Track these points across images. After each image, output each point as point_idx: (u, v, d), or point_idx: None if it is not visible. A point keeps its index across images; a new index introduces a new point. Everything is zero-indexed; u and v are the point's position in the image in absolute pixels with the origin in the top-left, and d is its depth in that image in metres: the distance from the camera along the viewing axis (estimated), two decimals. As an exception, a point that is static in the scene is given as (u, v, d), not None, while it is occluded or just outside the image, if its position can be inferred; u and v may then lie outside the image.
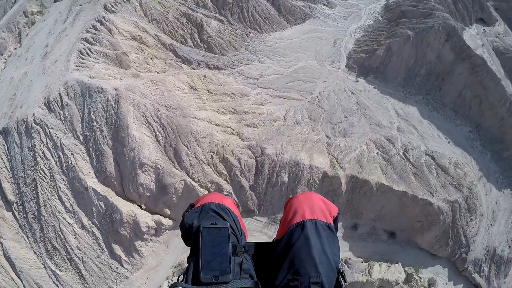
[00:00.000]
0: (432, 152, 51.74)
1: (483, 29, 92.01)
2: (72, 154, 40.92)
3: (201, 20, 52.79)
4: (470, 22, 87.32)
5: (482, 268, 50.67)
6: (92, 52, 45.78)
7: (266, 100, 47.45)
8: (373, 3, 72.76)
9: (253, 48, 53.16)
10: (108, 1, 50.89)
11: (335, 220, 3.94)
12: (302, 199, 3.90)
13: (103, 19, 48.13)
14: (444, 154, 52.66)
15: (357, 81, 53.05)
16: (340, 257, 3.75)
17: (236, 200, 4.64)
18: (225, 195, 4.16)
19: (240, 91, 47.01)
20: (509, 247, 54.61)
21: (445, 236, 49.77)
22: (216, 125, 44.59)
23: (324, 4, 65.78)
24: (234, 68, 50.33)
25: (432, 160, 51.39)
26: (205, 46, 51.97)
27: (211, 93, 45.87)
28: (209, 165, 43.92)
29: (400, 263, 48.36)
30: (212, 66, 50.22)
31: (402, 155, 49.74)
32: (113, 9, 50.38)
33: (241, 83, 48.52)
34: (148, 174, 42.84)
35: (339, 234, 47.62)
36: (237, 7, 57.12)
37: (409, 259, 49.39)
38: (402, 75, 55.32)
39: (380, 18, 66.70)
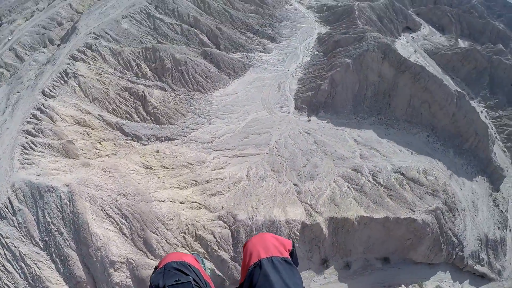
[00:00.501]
0: (400, 168, 51.71)
1: (411, 36, 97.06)
2: (35, 263, 36.69)
3: (143, 92, 51.43)
4: (398, 33, 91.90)
5: (481, 257, 50.65)
6: (36, 145, 42.72)
7: (225, 162, 45.82)
8: (306, 39, 74.93)
9: (201, 111, 52.06)
10: (46, 86, 48.68)
11: (292, 253, 4.23)
12: (255, 241, 4.20)
13: (42, 107, 45.58)
14: (410, 166, 52.75)
15: (309, 120, 52.81)
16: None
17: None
18: (191, 253, 4.59)
19: (196, 159, 45.21)
20: (498, 228, 55.44)
21: (437, 244, 49.13)
22: (181, 202, 42.10)
23: (260, 52, 66.63)
24: (185, 136, 48.72)
25: (401, 176, 51.21)
26: (152, 118, 50.34)
27: (168, 168, 43.72)
28: (183, 246, 41.02)
29: (402, 285, 46.82)
30: (163, 138, 48.41)
31: (372, 181, 49.18)
32: (51, 93, 48.04)
33: (196, 150, 46.82)
34: (122, 271, 39.18)
35: (334, 277, 45.89)
36: (176, 71, 56.44)
37: (410, 277, 48.18)
38: (350, 103, 55.86)
39: (316, 52, 68.36)
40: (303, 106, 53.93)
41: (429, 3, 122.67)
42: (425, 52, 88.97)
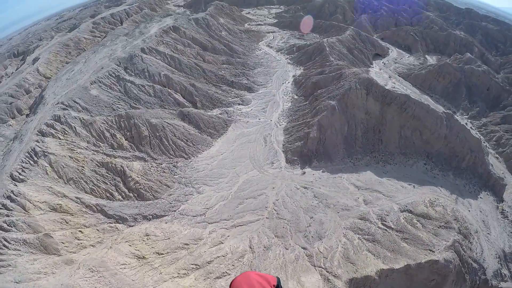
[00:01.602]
0: (406, 206, 48.18)
1: (383, 62, 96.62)
2: None
3: (121, 166, 46.79)
4: (370, 61, 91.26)
5: (503, 274, 47.10)
6: (9, 242, 36.96)
7: (223, 235, 41.06)
8: (283, 83, 72.83)
9: (187, 179, 47.63)
10: (14, 169, 43.49)
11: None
12: (240, 279, 4.33)
13: (12, 194, 40.05)
14: (416, 201, 49.33)
15: (304, 172, 49.14)
16: None
17: None
18: None
19: (192, 237, 40.27)
20: (513, 238, 52.54)
21: (460, 275, 45.27)
22: (185, 295, 37.00)
23: (239, 104, 63.72)
24: (174, 211, 43.90)
25: (410, 214, 47.57)
26: (135, 195, 45.42)
27: (162, 254, 38.49)
28: None
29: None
30: (151, 216, 43.39)
31: (382, 226, 45.23)
32: (21, 177, 42.76)
33: (189, 225, 41.97)
34: None
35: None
36: (155, 138, 52.38)
37: (438, 314, 43.95)
38: (342, 146, 52.73)
39: (295, 96, 65.94)
40: (294, 158, 50.37)
41: (390, 27, 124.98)
42: (399, 76, 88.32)
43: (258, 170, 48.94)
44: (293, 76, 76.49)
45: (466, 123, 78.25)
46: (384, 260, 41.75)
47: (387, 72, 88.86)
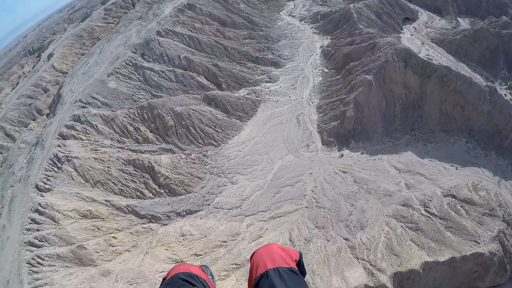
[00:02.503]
0: (450, 190, 44.54)
1: (413, 27, 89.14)
2: None
3: (149, 162, 44.02)
4: (400, 27, 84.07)
5: None
6: (43, 259, 35.50)
7: (262, 228, 38.41)
8: (310, 56, 67.39)
9: (219, 169, 44.62)
10: (39, 179, 41.51)
11: (299, 263, 4.14)
12: (261, 251, 4.14)
13: (40, 207, 38.21)
14: (460, 185, 45.58)
15: (342, 155, 45.44)
16: None
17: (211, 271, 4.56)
18: (200, 265, 4.38)
19: (229, 233, 37.82)
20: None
21: (502, 266, 42.66)
22: (229, 299, 34.91)
23: (267, 82, 59.19)
24: (209, 204, 41.26)
25: (454, 200, 44.04)
26: (166, 191, 42.88)
27: (200, 255, 36.18)
28: None
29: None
30: (184, 213, 40.93)
31: (426, 213, 41.95)
32: (47, 186, 40.81)
33: (225, 219, 39.42)
34: None
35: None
36: (181, 127, 49.14)
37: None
38: (381, 124, 48.44)
39: (326, 70, 60.81)
40: (331, 139, 46.54)
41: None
42: (432, 42, 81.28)
43: (293, 154, 45.45)
44: (321, 47, 70.74)
45: (505, 94, 72.55)
46: (429, 252, 39.06)
47: (419, 38, 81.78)
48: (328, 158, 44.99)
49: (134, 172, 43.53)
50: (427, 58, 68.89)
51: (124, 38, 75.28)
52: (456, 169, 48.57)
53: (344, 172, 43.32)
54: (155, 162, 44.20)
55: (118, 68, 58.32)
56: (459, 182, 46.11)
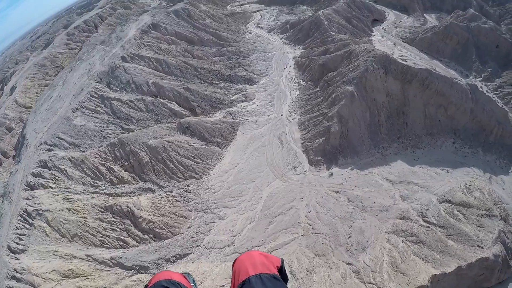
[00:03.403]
0: (444, 196, 44.79)
1: (383, 28, 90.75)
2: None
3: (127, 206, 41.64)
4: (370, 29, 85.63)
5: None
6: None
7: (258, 264, 36.92)
8: (284, 68, 67.02)
9: (204, 205, 42.78)
10: (10, 239, 38.37)
11: (281, 269, 4.20)
12: (243, 258, 4.24)
13: (16, 273, 35.13)
14: (453, 188, 45.89)
15: (332, 174, 44.75)
16: None
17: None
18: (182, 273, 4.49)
19: (226, 275, 35.32)
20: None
21: (505, 263, 42.91)
22: None
23: (242, 101, 58.23)
24: (199, 245, 39.24)
25: (450, 205, 44.33)
26: (151, 236, 40.51)
27: (196, 304, 34.39)
28: None
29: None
30: (174, 258, 38.62)
31: (425, 223, 41.75)
32: (20, 247, 37.68)
33: (219, 260, 37.46)
34: None
35: None
36: (157, 162, 47.10)
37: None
38: (367, 136, 48.24)
39: (302, 82, 60.62)
40: (318, 158, 45.77)
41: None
42: (403, 41, 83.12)
43: (281, 179, 44.33)
44: (294, 58, 70.68)
45: (481, 87, 74.71)
46: (434, 264, 38.74)
47: (390, 38, 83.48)
48: (317, 178, 44.16)
49: (113, 219, 41.07)
50: (402, 59, 70.20)
51: (87, 66, 72.75)
52: (448, 172, 49.03)
53: (336, 192, 42.57)
54: (134, 206, 41.91)
55: (83, 102, 55.80)
56: (452, 185, 46.49)
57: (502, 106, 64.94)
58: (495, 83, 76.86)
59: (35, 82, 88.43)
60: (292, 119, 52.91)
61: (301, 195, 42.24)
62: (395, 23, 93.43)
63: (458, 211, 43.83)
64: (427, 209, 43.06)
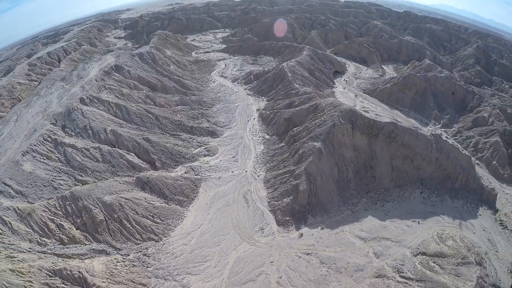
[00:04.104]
0: (418, 248, 44.26)
1: (344, 80, 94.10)
2: None
3: (79, 271, 37.43)
4: (332, 81, 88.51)
5: None
6: None
7: None
8: (248, 121, 66.33)
9: (165, 271, 38.97)
10: None
11: None
12: None
13: None
14: (426, 239, 45.59)
15: (301, 234, 42.98)
16: None
17: None
18: None
19: None
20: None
21: None
22: None
23: (204, 155, 56.56)
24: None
25: (425, 257, 43.75)
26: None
27: None
28: None
29: None
30: None
31: (402, 279, 40.33)
32: None
33: None
34: None
35: None
36: (113, 221, 43.36)
37: None
38: (336, 193, 47.48)
39: (267, 136, 60.25)
40: (286, 218, 44.08)
41: (341, 40, 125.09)
42: (364, 92, 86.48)
43: (248, 242, 41.91)
44: (258, 109, 70.98)
45: (441, 133, 77.83)
46: (418, 322, 37.00)
47: (352, 90, 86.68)
48: (287, 240, 42.19)
49: (63, 286, 36.48)
50: (364, 111, 72.23)
51: (44, 103, 69.10)
52: (419, 223, 48.90)
53: (307, 254, 40.62)
54: (87, 272, 37.63)
55: (35, 145, 51.81)
56: (425, 236, 46.23)
57: (463, 151, 67.41)
58: (454, 128, 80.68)
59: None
60: (258, 176, 51.59)
61: (270, 259, 39.86)
62: (355, 75, 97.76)
63: (433, 262, 43.35)
64: (403, 264, 42.05)
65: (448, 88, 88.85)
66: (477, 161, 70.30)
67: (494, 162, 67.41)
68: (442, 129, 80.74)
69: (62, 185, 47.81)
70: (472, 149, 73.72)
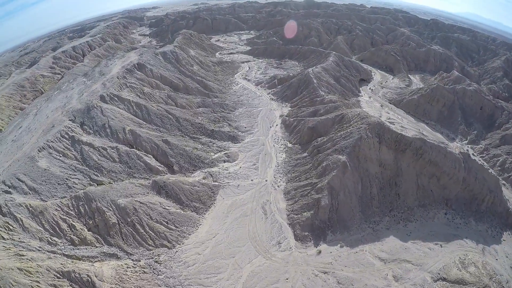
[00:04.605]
0: (439, 274, 41.48)
1: (370, 89, 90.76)
2: None
3: (88, 275, 36.28)
4: (357, 89, 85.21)
5: None
6: None
7: None
8: (270, 127, 64.23)
9: (176, 280, 36.99)
10: None
11: None
12: None
13: None
14: (448, 265, 42.62)
15: (320, 251, 40.73)
16: None
17: None
18: None
19: None
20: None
21: None
22: None
23: (224, 161, 54.67)
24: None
25: (445, 283, 41.02)
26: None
27: None
28: None
29: None
30: None
31: (420, 307, 38.10)
32: None
33: None
34: None
35: None
36: (126, 225, 42.15)
37: None
38: (358, 209, 44.94)
39: (289, 145, 58.02)
40: (305, 233, 41.82)
41: (367, 47, 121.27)
42: (390, 103, 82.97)
43: (264, 256, 39.94)
44: (280, 116, 68.75)
45: (468, 150, 73.91)
46: None
47: (377, 99, 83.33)
48: (304, 257, 39.99)
49: None
50: (389, 122, 69.09)
51: (64, 99, 68.86)
52: (441, 246, 45.93)
53: (324, 272, 38.36)
54: (96, 276, 36.50)
55: (52, 142, 51.12)
56: (446, 261, 43.36)
57: (492, 172, 63.61)
58: (481, 145, 76.37)
59: (11, 103, 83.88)
60: (278, 186, 49.48)
61: (286, 275, 37.78)
62: (381, 84, 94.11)
63: (454, 290, 40.56)
64: (422, 289, 39.48)
65: (477, 102, 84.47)
66: (503, 181, 66.31)
67: (520, 183, 63.51)
68: (469, 146, 76.71)
69: (77, 184, 46.88)
70: (499, 168, 69.55)
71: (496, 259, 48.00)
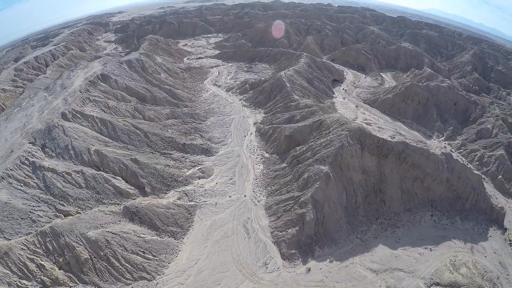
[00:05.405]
0: (432, 279, 41.62)
1: (343, 89, 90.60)
2: None
3: None
4: (331, 90, 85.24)
5: None
6: None
7: None
8: (245, 136, 62.29)
9: None
10: None
11: None
12: None
13: None
14: (439, 269, 42.76)
15: (309, 269, 39.19)
16: None
17: None
18: None
19: None
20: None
21: None
22: None
23: (199, 177, 52.48)
24: None
25: (439, 287, 41.16)
26: None
27: None
28: None
29: None
30: None
31: (416, 317, 37.44)
32: None
33: None
34: None
35: None
36: (99, 260, 38.63)
37: None
38: (344, 220, 43.86)
39: (266, 154, 56.35)
40: (292, 251, 40.21)
41: (337, 46, 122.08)
42: (365, 103, 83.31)
43: (251, 280, 37.90)
44: (254, 123, 67.18)
45: (445, 146, 75.11)
46: None
47: (352, 100, 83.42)
48: (293, 276, 38.37)
49: None
50: (366, 123, 69.05)
51: (24, 118, 64.14)
52: (431, 250, 46.11)
53: (316, 292, 36.99)
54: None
55: (11, 170, 47.00)
56: (437, 265, 43.49)
57: (473, 170, 64.67)
58: (458, 141, 77.89)
59: (-32, 124, 78.15)
60: (258, 201, 47.74)
61: (274, 300, 36.12)
62: (354, 83, 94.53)
63: (447, 293, 40.50)
64: (415, 296, 39.03)
65: (451, 98, 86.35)
66: (483, 176, 67.74)
67: (499, 177, 65.01)
68: (446, 142, 78.07)
69: (42, 217, 43.22)
70: (477, 163, 71.20)
71: (485, 256, 48.71)
